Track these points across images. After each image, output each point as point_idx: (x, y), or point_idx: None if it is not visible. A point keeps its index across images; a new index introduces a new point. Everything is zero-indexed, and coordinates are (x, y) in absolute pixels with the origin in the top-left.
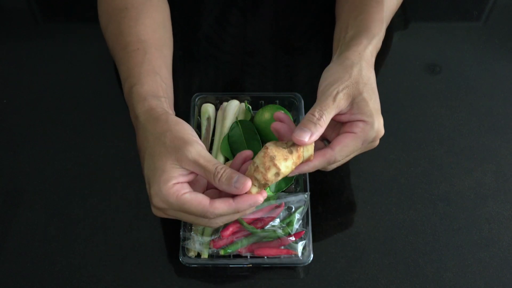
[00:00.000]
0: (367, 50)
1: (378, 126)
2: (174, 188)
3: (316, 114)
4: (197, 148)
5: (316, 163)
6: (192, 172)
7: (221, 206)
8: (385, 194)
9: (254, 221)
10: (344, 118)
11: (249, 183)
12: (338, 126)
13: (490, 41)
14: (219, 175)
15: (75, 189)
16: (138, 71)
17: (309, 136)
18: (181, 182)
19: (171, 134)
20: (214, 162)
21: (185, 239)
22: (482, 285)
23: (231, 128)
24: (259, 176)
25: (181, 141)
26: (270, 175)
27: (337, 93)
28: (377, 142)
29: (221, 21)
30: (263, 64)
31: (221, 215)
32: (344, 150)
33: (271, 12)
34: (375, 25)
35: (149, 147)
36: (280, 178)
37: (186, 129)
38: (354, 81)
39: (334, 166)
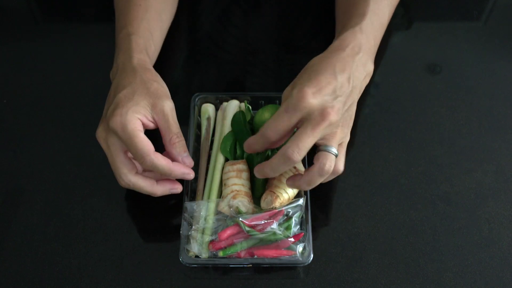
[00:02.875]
0: (332, 45)
1: (295, 92)
2: (136, 121)
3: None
4: (172, 107)
5: (251, 140)
6: (152, 122)
7: (162, 160)
8: (385, 194)
9: (253, 226)
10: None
11: (192, 163)
12: None
13: (490, 41)
14: (177, 140)
15: (75, 189)
16: (137, 24)
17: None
18: (142, 121)
19: (157, 85)
20: (178, 126)
21: (185, 239)
22: (482, 285)
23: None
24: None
25: (163, 94)
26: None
27: (285, 92)
28: (313, 117)
29: (222, 21)
30: (263, 64)
31: (155, 168)
32: (270, 120)
33: (273, 12)
34: (351, 21)
35: (133, 83)
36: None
37: (167, 90)
38: (296, 78)
39: (289, 148)
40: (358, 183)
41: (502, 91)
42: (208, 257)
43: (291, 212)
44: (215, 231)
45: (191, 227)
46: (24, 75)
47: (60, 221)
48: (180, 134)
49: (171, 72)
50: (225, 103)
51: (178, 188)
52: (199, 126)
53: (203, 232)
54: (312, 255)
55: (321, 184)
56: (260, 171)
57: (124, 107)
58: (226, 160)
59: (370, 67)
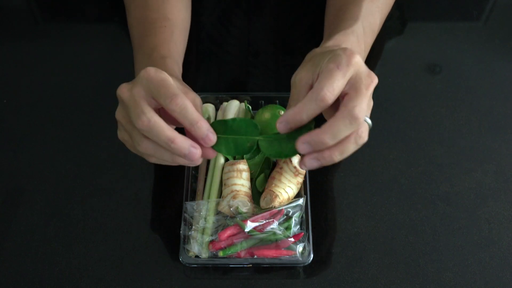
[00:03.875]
0: (325, 44)
1: (343, 52)
2: (166, 75)
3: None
4: (202, 105)
5: (300, 104)
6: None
7: (192, 106)
8: (385, 194)
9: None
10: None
11: (214, 137)
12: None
13: (490, 41)
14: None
15: (75, 189)
16: (167, 48)
17: (284, 125)
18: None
19: (189, 89)
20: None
21: (185, 239)
22: (482, 285)
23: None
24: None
25: (194, 93)
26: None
27: (294, 77)
28: (364, 77)
29: (222, 21)
30: (263, 64)
31: (185, 108)
32: (322, 81)
33: (273, 12)
34: (343, 23)
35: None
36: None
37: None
38: (307, 59)
39: (353, 127)
40: (358, 183)
41: (502, 91)
42: (208, 257)
43: (291, 212)
44: (215, 231)
45: (191, 227)
46: (24, 75)
47: (60, 221)
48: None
49: None
50: (225, 103)
51: (197, 150)
52: None
53: (203, 232)
54: (312, 255)
55: (321, 184)
56: (311, 142)
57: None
58: (226, 160)
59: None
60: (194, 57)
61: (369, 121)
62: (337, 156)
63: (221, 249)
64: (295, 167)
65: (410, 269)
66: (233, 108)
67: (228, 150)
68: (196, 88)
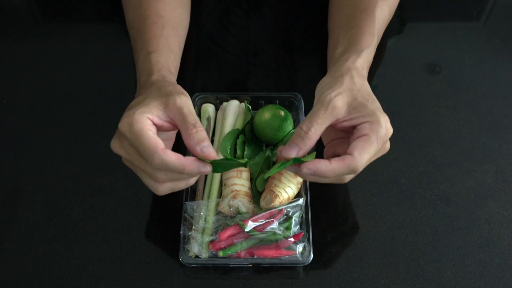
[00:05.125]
0: (356, 63)
1: (385, 123)
2: (145, 121)
3: (304, 127)
4: (186, 100)
5: (335, 166)
6: (169, 122)
7: (171, 156)
8: (385, 194)
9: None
10: (345, 124)
11: (214, 154)
12: (346, 139)
13: (490, 41)
14: (194, 130)
15: (75, 189)
16: (156, 42)
17: (297, 151)
18: (153, 121)
19: (173, 88)
20: (196, 117)
21: (185, 239)
22: (482, 285)
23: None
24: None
25: (175, 91)
26: (277, 203)
27: (330, 100)
28: (388, 144)
29: (222, 21)
30: (264, 64)
31: (166, 165)
32: (363, 153)
33: (273, 12)
34: (365, 38)
35: (149, 91)
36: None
37: (185, 91)
38: (347, 88)
39: (352, 175)
40: (358, 183)
41: (502, 91)
42: (208, 257)
43: (291, 212)
44: (215, 231)
45: (191, 227)
46: (24, 75)
47: (60, 221)
48: (199, 124)
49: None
50: (225, 103)
51: (208, 167)
52: None
53: (203, 232)
54: (312, 255)
55: (321, 184)
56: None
57: (132, 109)
58: None
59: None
60: (194, 57)
61: None
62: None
63: (221, 249)
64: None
65: (410, 269)
66: (233, 108)
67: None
68: (196, 88)
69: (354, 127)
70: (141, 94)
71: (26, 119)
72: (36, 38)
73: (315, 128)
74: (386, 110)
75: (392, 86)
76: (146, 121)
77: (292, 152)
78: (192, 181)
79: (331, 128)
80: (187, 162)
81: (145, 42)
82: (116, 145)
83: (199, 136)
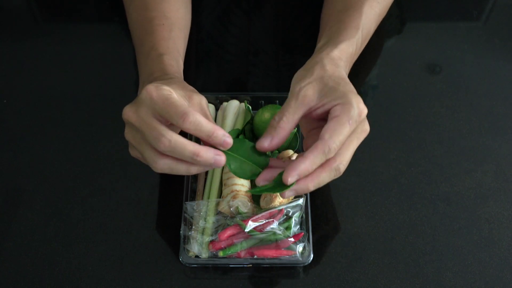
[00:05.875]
0: (332, 53)
1: (357, 103)
2: (168, 92)
3: (276, 118)
4: (207, 102)
5: (311, 157)
6: None
7: (204, 118)
8: (385, 194)
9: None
10: (319, 111)
11: (230, 141)
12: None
13: (490, 41)
14: (219, 132)
15: (75, 189)
16: (166, 45)
17: (269, 141)
18: None
19: (194, 89)
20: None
21: (185, 239)
22: (482, 285)
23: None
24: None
25: (198, 93)
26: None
27: (299, 89)
28: (367, 124)
29: (222, 21)
30: (264, 64)
31: (199, 125)
32: (334, 135)
33: (273, 12)
34: (346, 32)
35: (169, 81)
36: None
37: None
38: (318, 77)
39: (340, 164)
40: (358, 183)
41: (502, 91)
42: (208, 257)
43: (291, 212)
44: (215, 231)
45: (191, 227)
46: (24, 75)
47: (60, 221)
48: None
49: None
50: (225, 103)
51: (222, 157)
52: None
53: (203, 232)
54: (312, 255)
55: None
56: (304, 189)
57: (158, 83)
58: None
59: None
60: (194, 56)
61: None
62: (312, 187)
63: (221, 249)
64: None
65: (410, 269)
66: (233, 108)
67: (233, 167)
68: (196, 88)
69: (328, 113)
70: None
71: (26, 119)
72: (36, 38)
73: (287, 117)
74: (386, 110)
75: (392, 86)
76: (172, 94)
77: (265, 142)
78: (193, 169)
79: (308, 118)
80: (217, 127)
81: (154, 43)
82: (130, 111)
83: (221, 134)
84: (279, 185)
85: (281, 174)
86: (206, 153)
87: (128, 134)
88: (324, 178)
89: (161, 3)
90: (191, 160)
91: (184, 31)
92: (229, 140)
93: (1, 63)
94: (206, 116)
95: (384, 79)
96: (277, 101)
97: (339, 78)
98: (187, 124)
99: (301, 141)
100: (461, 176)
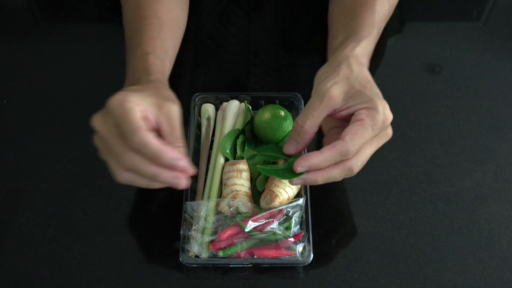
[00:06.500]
0: (355, 50)
1: (383, 109)
2: (138, 106)
3: (299, 121)
4: (179, 112)
5: (327, 154)
6: (155, 123)
7: (152, 139)
8: (385, 194)
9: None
10: (343, 113)
11: (192, 171)
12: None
13: (490, 41)
14: (179, 144)
15: (75, 189)
16: (153, 44)
17: (295, 147)
18: (144, 115)
19: (169, 93)
20: (180, 133)
21: (185, 239)
22: (482, 285)
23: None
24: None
25: (172, 98)
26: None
27: (326, 90)
28: (390, 129)
29: (222, 21)
30: (264, 64)
31: (144, 146)
32: (355, 139)
33: (273, 12)
34: (364, 29)
35: (146, 87)
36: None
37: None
38: (344, 77)
39: (354, 164)
40: (358, 183)
41: (502, 91)
42: (208, 257)
43: (291, 212)
44: (215, 231)
45: (191, 227)
46: (24, 75)
47: (60, 221)
48: (183, 141)
49: (172, 72)
50: (225, 103)
51: (181, 180)
52: (199, 126)
53: (203, 232)
54: (312, 255)
55: (321, 184)
56: (313, 181)
57: (128, 92)
58: (226, 160)
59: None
60: (194, 56)
61: None
62: (321, 181)
63: (221, 249)
64: None
65: (410, 269)
66: (233, 108)
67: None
68: (196, 88)
69: (351, 114)
70: (135, 86)
71: (26, 119)
72: (36, 38)
73: (311, 121)
74: None
75: (392, 86)
76: (138, 106)
77: (291, 148)
78: (156, 185)
79: (330, 117)
80: (166, 150)
81: (142, 42)
82: (97, 119)
83: (182, 152)
84: (289, 171)
85: (294, 159)
86: (165, 176)
87: (96, 141)
88: (335, 175)
89: (154, 2)
90: (151, 179)
91: (176, 32)
92: (181, 164)
93: (1, 63)
94: (172, 126)
95: (384, 79)
96: (277, 101)
97: (365, 80)
98: (135, 144)
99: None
100: (461, 176)
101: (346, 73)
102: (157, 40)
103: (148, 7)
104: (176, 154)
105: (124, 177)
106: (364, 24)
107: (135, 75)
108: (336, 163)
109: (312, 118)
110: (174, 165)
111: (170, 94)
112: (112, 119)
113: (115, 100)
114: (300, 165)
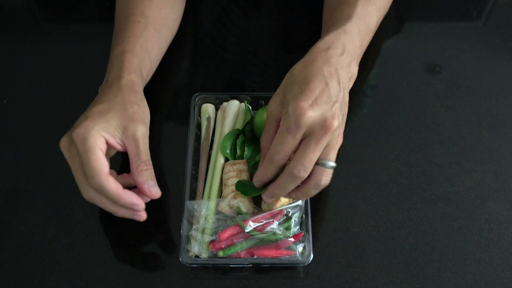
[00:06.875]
0: (314, 47)
1: (293, 109)
2: (99, 139)
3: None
4: (144, 132)
5: (263, 165)
6: (122, 146)
7: (111, 184)
8: (385, 194)
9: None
10: None
11: (159, 194)
12: None
13: (490, 41)
14: (145, 167)
15: (75, 189)
16: (133, 42)
17: (260, 174)
18: (108, 141)
19: (137, 108)
20: (148, 154)
21: (185, 239)
22: (482, 285)
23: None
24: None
25: (138, 118)
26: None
27: (268, 106)
28: (328, 128)
29: (222, 21)
30: (263, 64)
31: (102, 190)
32: (274, 145)
33: (272, 11)
34: (335, 24)
35: (112, 101)
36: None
37: (147, 116)
38: (282, 86)
39: (294, 169)
40: (358, 183)
41: (502, 91)
42: (208, 257)
43: (291, 212)
44: (215, 231)
45: (191, 227)
46: (24, 75)
47: (60, 221)
48: (150, 162)
49: (172, 72)
50: (225, 103)
51: (140, 214)
52: (199, 126)
53: (203, 232)
54: (312, 255)
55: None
56: (271, 194)
57: (92, 121)
58: (226, 160)
59: (354, 69)
60: (194, 56)
61: (330, 164)
62: (302, 196)
63: (221, 249)
64: None
65: (410, 269)
66: (233, 108)
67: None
68: (196, 88)
69: None
70: (105, 95)
71: (26, 119)
72: (36, 38)
73: (265, 136)
74: (386, 110)
75: (392, 86)
76: (101, 139)
77: (257, 178)
78: (119, 213)
79: None
80: (123, 195)
81: (123, 40)
82: (64, 146)
83: (147, 175)
84: (255, 189)
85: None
86: (124, 214)
87: (67, 157)
88: (284, 183)
89: (143, 1)
90: (113, 208)
91: (162, 31)
92: (138, 208)
93: (1, 63)
94: (137, 148)
95: (384, 79)
96: None
97: (297, 81)
98: (95, 185)
99: None
100: (461, 176)
101: (285, 80)
102: (139, 38)
103: (135, 5)
104: (132, 198)
105: (88, 196)
106: (337, 19)
107: (109, 76)
108: (283, 172)
109: (265, 134)
110: (131, 208)
111: (137, 108)
112: (76, 151)
113: (78, 135)
114: (254, 181)
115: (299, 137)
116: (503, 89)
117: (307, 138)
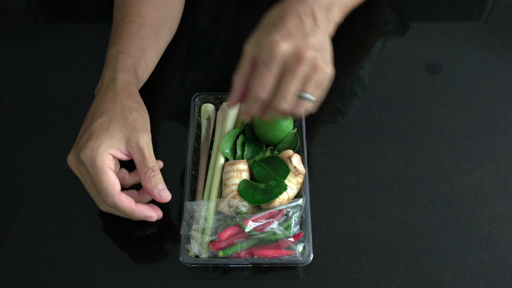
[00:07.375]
0: None
1: (267, 44)
2: (107, 158)
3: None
4: (148, 140)
5: (247, 101)
6: (127, 155)
7: (124, 201)
8: (385, 194)
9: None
10: None
11: (169, 197)
12: None
13: (490, 41)
14: (152, 174)
15: (75, 189)
16: (128, 42)
17: (230, 99)
18: (115, 155)
19: (136, 115)
20: (154, 160)
21: (185, 239)
22: (482, 285)
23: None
24: None
25: (140, 126)
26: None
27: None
28: (304, 57)
29: (222, 21)
30: None
31: (116, 207)
32: (252, 81)
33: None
34: None
35: (112, 111)
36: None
37: (147, 120)
38: (258, 28)
39: (275, 102)
40: (358, 183)
41: (502, 91)
42: (208, 257)
43: (291, 212)
44: (215, 231)
45: (191, 227)
46: (24, 75)
47: (60, 221)
48: (156, 168)
49: (172, 72)
50: (225, 103)
51: (152, 216)
52: (199, 126)
53: (203, 232)
54: (312, 255)
55: (321, 184)
56: (261, 120)
57: (97, 140)
58: (226, 160)
59: (335, 14)
60: (195, 56)
61: (305, 96)
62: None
63: (221, 249)
64: (295, 167)
65: (410, 269)
66: (233, 108)
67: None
68: (196, 88)
69: None
70: (103, 104)
71: (26, 119)
72: (36, 38)
73: (239, 74)
74: (386, 110)
75: (392, 86)
76: (108, 157)
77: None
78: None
79: None
80: (136, 210)
81: (119, 40)
82: (72, 163)
83: (156, 180)
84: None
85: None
86: (138, 219)
87: (77, 173)
88: (269, 117)
89: (139, 1)
90: (129, 217)
91: (159, 31)
92: (151, 219)
93: (1, 63)
94: (143, 156)
95: (384, 79)
96: None
97: (273, 20)
98: (108, 203)
99: (301, 141)
100: (461, 176)
101: (261, 21)
102: (134, 38)
103: (132, 5)
104: (145, 211)
105: (105, 209)
106: None
107: (104, 76)
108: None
109: (239, 70)
110: (145, 219)
111: (137, 115)
112: (86, 171)
113: (86, 157)
114: (242, 115)
115: (275, 69)
116: (503, 89)
117: (283, 72)
